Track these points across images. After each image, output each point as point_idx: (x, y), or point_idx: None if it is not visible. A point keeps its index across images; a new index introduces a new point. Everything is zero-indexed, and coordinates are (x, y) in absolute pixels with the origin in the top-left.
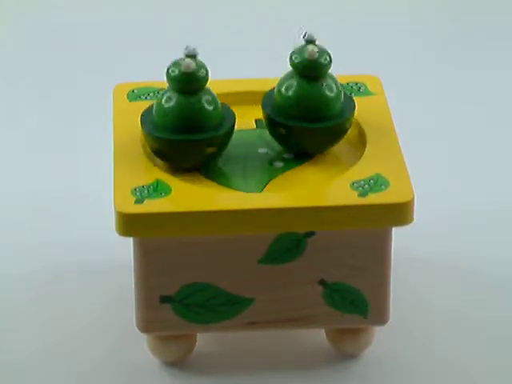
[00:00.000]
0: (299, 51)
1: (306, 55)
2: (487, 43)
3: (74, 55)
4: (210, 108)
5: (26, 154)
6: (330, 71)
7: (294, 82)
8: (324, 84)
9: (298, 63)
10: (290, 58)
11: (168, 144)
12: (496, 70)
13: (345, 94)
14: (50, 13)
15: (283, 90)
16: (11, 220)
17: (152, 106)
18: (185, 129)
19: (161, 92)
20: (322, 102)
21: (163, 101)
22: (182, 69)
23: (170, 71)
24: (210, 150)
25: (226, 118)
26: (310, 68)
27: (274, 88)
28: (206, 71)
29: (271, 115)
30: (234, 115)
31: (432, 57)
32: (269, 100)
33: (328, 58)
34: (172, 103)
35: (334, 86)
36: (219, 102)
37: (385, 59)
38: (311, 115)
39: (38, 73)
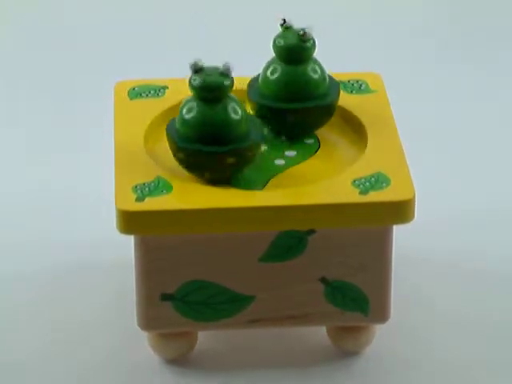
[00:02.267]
0: (282, 36)
1: (300, 34)
2: (488, 42)
3: (74, 54)
4: (235, 117)
5: (26, 154)
6: (314, 56)
7: (278, 66)
8: (308, 67)
9: (280, 47)
10: (274, 42)
11: (189, 154)
12: (496, 70)
13: (329, 77)
14: (50, 13)
15: (268, 74)
16: (11, 219)
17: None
18: (208, 139)
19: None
20: (307, 83)
21: (184, 111)
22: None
23: (191, 80)
24: (231, 160)
25: (252, 130)
26: (295, 52)
27: (257, 76)
28: (232, 81)
29: (258, 101)
30: (262, 127)
31: (433, 55)
32: (254, 87)
33: (311, 42)
34: (193, 112)
35: (318, 68)
36: (246, 112)
37: (386, 57)
38: (297, 96)
39: (38, 72)
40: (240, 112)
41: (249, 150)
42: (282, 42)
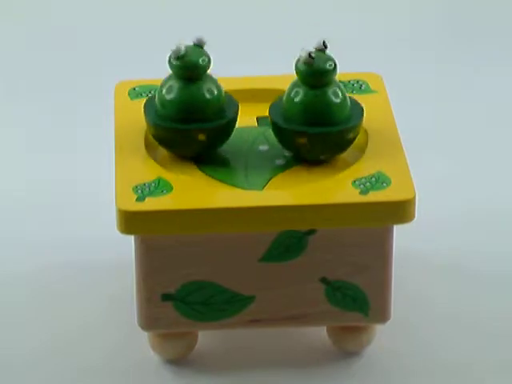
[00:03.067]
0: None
1: (302, 60)
2: (488, 43)
3: (74, 54)
4: (210, 96)
5: (26, 153)
6: (335, 78)
7: (300, 90)
8: (329, 91)
9: (302, 71)
10: (296, 66)
11: (168, 132)
12: (496, 70)
13: (352, 100)
14: (50, 13)
15: (291, 97)
16: (11, 219)
17: (154, 95)
18: (185, 117)
19: (163, 79)
20: (327, 108)
21: (164, 89)
22: (173, 53)
23: (170, 58)
24: (202, 137)
25: (228, 107)
26: (314, 75)
27: (281, 96)
28: (208, 59)
29: (279, 123)
30: (237, 104)
31: (433, 56)
32: (276, 108)
33: (333, 65)
34: (173, 91)
35: (339, 92)
36: (223, 91)
37: (386, 58)
38: (316, 121)
39: (38, 72)
40: (215, 90)
41: (226, 126)
42: (304, 67)
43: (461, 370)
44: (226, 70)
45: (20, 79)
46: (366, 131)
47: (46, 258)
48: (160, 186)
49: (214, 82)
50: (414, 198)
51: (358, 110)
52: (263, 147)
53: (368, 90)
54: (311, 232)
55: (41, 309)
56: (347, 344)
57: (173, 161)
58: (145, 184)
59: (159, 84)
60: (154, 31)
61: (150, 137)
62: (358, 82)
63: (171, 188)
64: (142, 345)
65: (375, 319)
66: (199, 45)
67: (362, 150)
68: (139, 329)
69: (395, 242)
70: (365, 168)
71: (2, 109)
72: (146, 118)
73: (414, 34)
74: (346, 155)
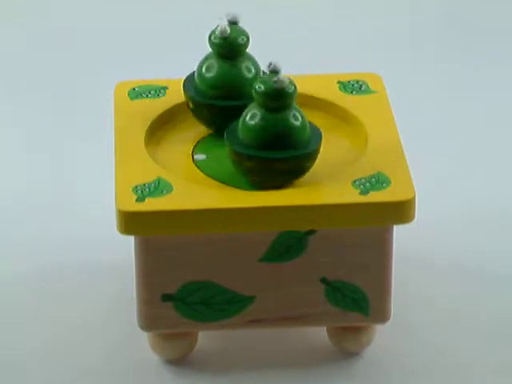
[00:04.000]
0: (263, 81)
1: (217, 32)
2: (488, 43)
3: (74, 54)
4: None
5: (26, 153)
6: (294, 103)
7: (258, 112)
8: (290, 113)
9: (261, 92)
10: (254, 88)
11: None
12: (496, 70)
13: (311, 124)
14: (50, 13)
15: (247, 120)
16: (11, 219)
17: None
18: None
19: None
20: (286, 131)
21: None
22: (218, 33)
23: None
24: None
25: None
26: (274, 97)
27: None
28: (247, 38)
29: (236, 148)
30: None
31: (433, 56)
32: (233, 132)
33: (293, 88)
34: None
35: (299, 116)
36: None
37: (386, 58)
38: (274, 145)
39: (38, 72)
40: (253, 70)
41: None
42: (262, 88)
43: (461, 370)
44: None
45: (20, 79)
46: (365, 131)
47: (45, 258)
48: (160, 187)
49: (253, 60)
50: (414, 198)
51: (316, 135)
52: None
53: (368, 91)
54: (311, 232)
55: (41, 309)
56: (347, 344)
57: (173, 161)
58: (145, 184)
59: (159, 84)
60: (154, 31)
61: (150, 137)
62: (357, 82)
63: (171, 188)
64: (141, 345)
65: (375, 319)
66: (234, 22)
67: (361, 151)
68: (139, 329)
69: (395, 242)
70: (365, 168)
71: (2, 109)
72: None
73: (413, 34)
74: (345, 155)
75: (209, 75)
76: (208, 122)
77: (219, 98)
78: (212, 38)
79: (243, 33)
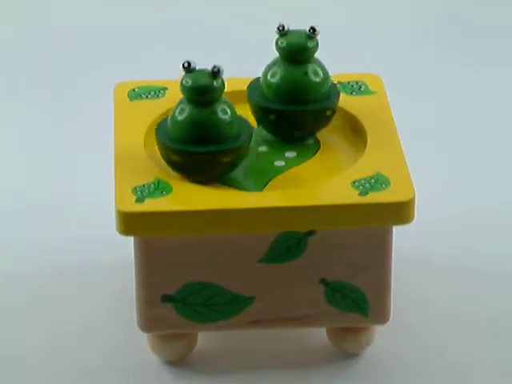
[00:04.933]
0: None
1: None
2: (488, 43)
3: (74, 55)
4: (226, 119)
5: (26, 154)
6: (316, 56)
7: (279, 68)
8: (309, 68)
9: (282, 47)
10: (276, 43)
11: (182, 155)
12: (496, 70)
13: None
14: (50, 13)
15: (269, 76)
16: (11, 219)
17: (167, 117)
18: (199, 140)
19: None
20: (306, 85)
21: (177, 112)
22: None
23: (183, 82)
24: (225, 160)
25: (243, 130)
26: (295, 51)
27: (258, 77)
28: (222, 82)
29: (259, 102)
30: (251, 128)
31: (433, 56)
32: (254, 89)
33: (314, 42)
34: (185, 114)
35: (319, 70)
36: (236, 113)
37: (386, 59)
38: (296, 99)
39: (38, 73)
40: (230, 113)
41: (241, 150)
42: (284, 43)
43: (461, 370)
44: (225, 71)
45: (20, 79)
46: (365, 132)
47: (45, 258)
48: (159, 188)
49: (228, 103)
50: (414, 198)
51: (334, 89)
52: (262, 148)
53: (367, 91)
54: (311, 233)
55: (41, 309)
56: (347, 345)
57: None
58: (144, 185)
59: (158, 85)
60: (154, 31)
61: (149, 138)
62: (357, 82)
63: (170, 189)
64: (141, 345)
65: (375, 320)
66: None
67: (361, 151)
68: (139, 330)
69: (395, 243)
70: (364, 169)
71: (2, 109)
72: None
73: (413, 34)
74: (345, 156)
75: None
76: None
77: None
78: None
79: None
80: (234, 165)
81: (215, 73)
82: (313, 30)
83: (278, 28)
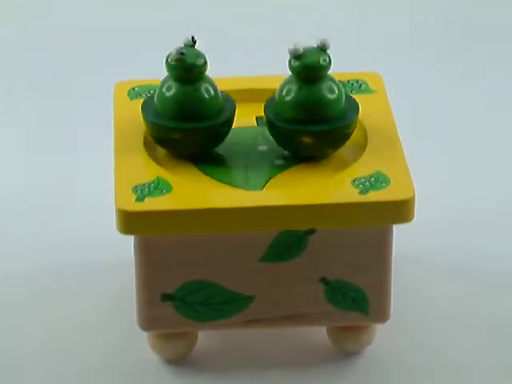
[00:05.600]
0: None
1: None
2: (488, 43)
3: (74, 54)
4: (208, 97)
5: (26, 153)
6: (330, 73)
7: (294, 86)
8: (324, 86)
9: (295, 67)
10: (289, 62)
11: (167, 131)
12: (496, 70)
13: (347, 96)
14: (50, 13)
15: (283, 94)
16: (11, 219)
17: (153, 94)
18: (184, 117)
19: (162, 80)
20: (321, 104)
21: (164, 89)
22: (173, 56)
23: (168, 60)
24: (208, 138)
25: (226, 107)
26: (308, 70)
27: (274, 94)
28: (205, 60)
29: (273, 120)
30: (234, 104)
31: (433, 55)
32: (270, 106)
33: (327, 60)
34: (171, 92)
35: (335, 87)
36: (219, 91)
37: (386, 57)
38: (311, 118)
39: (37, 72)
40: (212, 91)
41: (223, 126)
42: (297, 62)
43: (461, 370)
44: (225, 70)
45: (20, 79)
46: (365, 131)
47: (45, 258)
48: (159, 186)
49: (211, 82)
50: (414, 197)
51: (353, 104)
52: (263, 147)
53: (367, 90)
54: (311, 232)
55: (41, 309)
56: (347, 344)
57: (172, 161)
58: (144, 184)
59: (158, 84)
60: (154, 31)
61: (149, 137)
62: (357, 81)
63: (171, 188)
64: (142, 345)
65: (375, 319)
66: (189, 44)
67: (361, 150)
68: (139, 329)
69: (395, 243)
70: (364, 168)
71: (1, 109)
72: (144, 116)
73: (413, 33)
74: (345, 155)
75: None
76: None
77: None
78: (169, 60)
79: (200, 55)
80: (218, 140)
81: (194, 42)
82: (324, 45)
83: (292, 53)
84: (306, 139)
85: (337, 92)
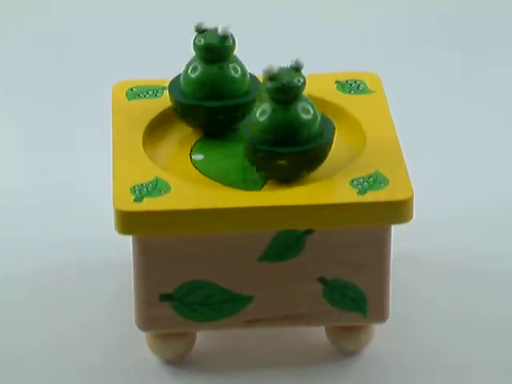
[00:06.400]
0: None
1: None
2: (488, 43)
3: (74, 54)
4: (237, 76)
5: (26, 153)
6: (304, 94)
7: (268, 107)
8: (298, 107)
9: (270, 88)
10: (263, 81)
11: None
12: (496, 69)
13: (323, 116)
14: (50, 13)
15: (258, 115)
16: (11, 219)
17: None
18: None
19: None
20: (296, 125)
21: (189, 70)
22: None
23: (196, 41)
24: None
25: (252, 87)
26: (283, 91)
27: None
28: (233, 40)
29: (248, 141)
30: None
31: (432, 56)
32: (247, 126)
33: (301, 80)
34: (197, 72)
35: (309, 108)
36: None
37: (384, 58)
38: (285, 139)
39: (37, 72)
40: (240, 71)
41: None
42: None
43: (460, 370)
44: None
45: (20, 79)
46: (363, 131)
47: (45, 258)
48: (158, 187)
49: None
50: (412, 197)
51: (328, 124)
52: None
53: (366, 90)
54: (309, 232)
55: (41, 309)
56: (346, 343)
57: (171, 161)
58: (142, 184)
59: (156, 84)
60: (153, 31)
61: (148, 137)
62: (355, 81)
63: (169, 188)
64: (141, 345)
65: (373, 319)
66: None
67: (359, 150)
68: (137, 329)
69: (395, 243)
70: (363, 168)
71: (1, 109)
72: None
73: (413, 34)
74: (343, 155)
75: (194, 77)
76: (197, 125)
77: (206, 99)
78: (196, 41)
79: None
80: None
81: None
82: (298, 66)
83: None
84: (281, 161)
85: (312, 112)
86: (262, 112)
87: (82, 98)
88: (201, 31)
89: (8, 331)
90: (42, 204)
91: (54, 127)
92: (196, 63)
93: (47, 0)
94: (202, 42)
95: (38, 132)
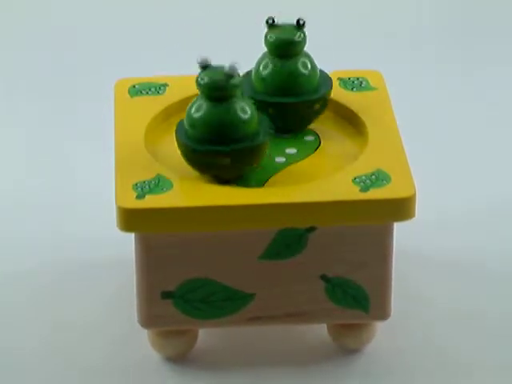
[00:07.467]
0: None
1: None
2: (488, 42)
3: (74, 53)
4: (244, 117)
5: (27, 150)
6: (305, 49)
7: (269, 61)
8: (298, 61)
9: (271, 42)
10: (265, 37)
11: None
12: (496, 69)
13: (321, 72)
14: (50, 13)
15: (260, 69)
16: (12, 218)
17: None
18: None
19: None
20: (295, 78)
21: (193, 110)
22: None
23: (199, 79)
24: (244, 159)
25: (261, 129)
26: (284, 46)
27: (250, 70)
28: (240, 80)
29: (251, 95)
30: (269, 125)
31: (433, 54)
32: (247, 82)
33: (302, 36)
34: (202, 112)
35: (308, 63)
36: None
37: (386, 55)
38: (286, 91)
39: (38, 72)
40: (249, 111)
41: (261, 148)
42: (273, 37)
43: (460, 367)
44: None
45: (20, 79)
46: (366, 128)
47: (45, 258)
48: (160, 184)
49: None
50: (414, 195)
51: (326, 81)
52: None
53: (368, 87)
54: (311, 229)
55: (41, 309)
56: (348, 341)
57: (173, 158)
58: (145, 182)
59: (159, 81)
60: (154, 29)
61: (150, 134)
62: (358, 79)
63: (171, 186)
64: (142, 343)
65: (375, 316)
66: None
67: (362, 148)
68: (140, 327)
69: (396, 241)
70: (365, 165)
71: (1, 109)
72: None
73: (414, 31)
74: (345, 152)
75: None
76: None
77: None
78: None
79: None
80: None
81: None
82: (300, 22)
83: (267, 21)
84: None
85: (249, 112)
86: (197, 108)
87: (82, 97)
88: (204, 67)
89: (8, 331)
90: (42, 204)
91: (54, 127)
92: (201, 102)
93: (47, 0)
94: (205, 80)
95: (38, 132)
